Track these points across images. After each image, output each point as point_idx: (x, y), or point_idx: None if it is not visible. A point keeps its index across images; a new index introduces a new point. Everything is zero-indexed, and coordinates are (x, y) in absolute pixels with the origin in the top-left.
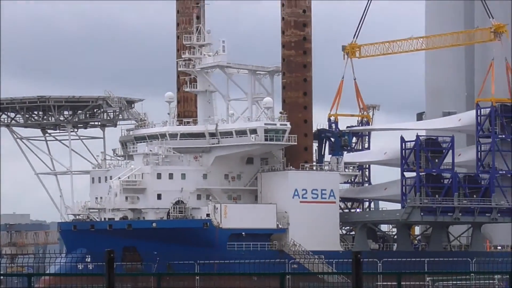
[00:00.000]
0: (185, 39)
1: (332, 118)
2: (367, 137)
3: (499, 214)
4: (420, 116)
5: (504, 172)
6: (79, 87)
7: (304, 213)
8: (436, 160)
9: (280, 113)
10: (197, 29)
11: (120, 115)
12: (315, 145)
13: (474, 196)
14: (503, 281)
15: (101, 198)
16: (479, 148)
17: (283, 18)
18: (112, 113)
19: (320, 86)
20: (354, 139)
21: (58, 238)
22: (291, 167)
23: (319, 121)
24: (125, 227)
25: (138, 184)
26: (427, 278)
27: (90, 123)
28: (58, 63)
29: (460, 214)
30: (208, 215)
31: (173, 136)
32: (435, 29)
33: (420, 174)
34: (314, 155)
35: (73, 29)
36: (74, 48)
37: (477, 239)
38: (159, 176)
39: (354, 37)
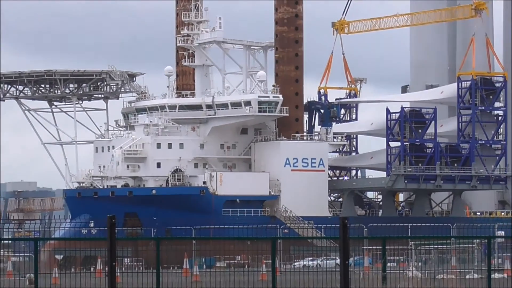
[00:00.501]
0: (184, 16)
1: (322, 90)
2: (354, 108)
3: (478, 182)
4: (404, 89)
5: (483, 142)
6: (84, 62)
7: (295, 180)
8: (420, 131)
9: (273, 86)
10: (195, 7)
11: (122, 88)
12: (305, 117)
13: (455, 164)
14: (482, 245)
15: (104, 166)
16: (460, 119)
17: None
18: (114, 86)
19: (311, 61)
20: (342, 111)
21: (63, 205)
22: (283, 137)
23: (309, 93)
24: (126, 194)
25: (139, 153)
26: (410, 242)
27: (94, 95)
28: (64, 39)
29: (442, 181)
30: (204, 182)
31: (172, 108)
32: (420, 7)
33: (404, 144)
34: (305, 126)
35: (79, 7)
36: (80, 25)
37: (457, 206)
38: (158, 145)
39: (343, 14)
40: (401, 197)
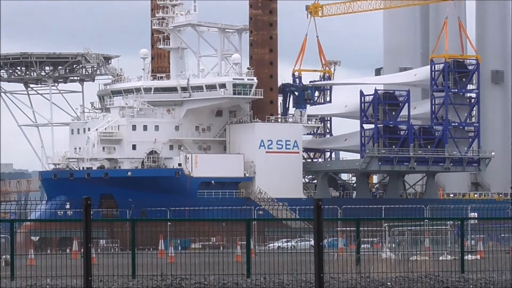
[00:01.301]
0: None
1: (296, 73)
2: (328, 91)
3: (451, 164)
4: (378, 72)
5: (456, 124)
6: (60, 45)
7: (270, 162)
8: (393, 113)
9: (248, 68)
10: None
11: (98, 71)
12: (280, 99)
13: (429, 146)
14: (455, 227)
15: (79, 148)
16: (433, 101)
17: None
18: (90, 69)
19: (285, 44)
20: (316, 93)
21: (39, 186)
22: (257, 119)
23: (284, 76)
24: (102, 175)
25: (115, 135)
26: (384, 224)
27: (70, 78)
28: (40, 22)
29: (415, 163)
30: (180, 164)
31: (147, 90)
32: None
33: (378, 126)
34: (279, 108)
35: None
36: (55, 7)
37: (431, 187)
38: (134, 127)
39: None
40: (375, 179)
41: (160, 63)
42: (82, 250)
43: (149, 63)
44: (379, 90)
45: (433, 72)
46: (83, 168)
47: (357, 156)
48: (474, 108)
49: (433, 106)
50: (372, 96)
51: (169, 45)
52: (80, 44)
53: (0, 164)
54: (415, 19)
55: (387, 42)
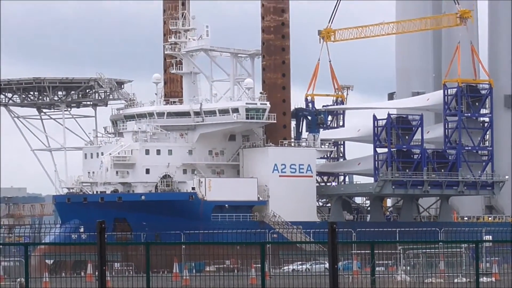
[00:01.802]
0: (171, 24)
1: (309, 98)
2: (341, 115)
3: (465, 187)
4: (391, 96)
5: (469, 148)
6: (73, 69)
7: (283, 186)
8: (406, 137)
9: (260, 93)
10: (182, 15)
11: (111, 95)
12: (293, 123)
13: (442, 170)
14: (470, 250)
15: (93, 172)
16: (446, 125)
17: (262, 5)
18: (103, 94)
19: (297, 68)
20: (329, 118)
21: (53, 210)
22: (270, 143)
23: (296, 100)
24: (115, 199)
25: (128, 160)
26: (399, 247)
27: (83, 102)
28: (53, 47)
29: (429, 187)
30: (193, 188)
31: (160, 114)
32: (405, 15)
33: (392, 150)
34: (292, 132)
35: (68, 16)
36: (69, 33)
37: (445, 211)
38: (147, 152)
39: (329, 22)
40: (389, 202)
41: (172, 88)
42: (96, 273)
43: (161, 88)
44: (392, 114)
45: (446, 97)
46: (96, 192)
47: (370, 179)
48: (488, 132)
49: (446, 130)
50: (385, 121)
51: (182, 69)
52: (93, 69)
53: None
54: (427, 43)
55: (399, 67)
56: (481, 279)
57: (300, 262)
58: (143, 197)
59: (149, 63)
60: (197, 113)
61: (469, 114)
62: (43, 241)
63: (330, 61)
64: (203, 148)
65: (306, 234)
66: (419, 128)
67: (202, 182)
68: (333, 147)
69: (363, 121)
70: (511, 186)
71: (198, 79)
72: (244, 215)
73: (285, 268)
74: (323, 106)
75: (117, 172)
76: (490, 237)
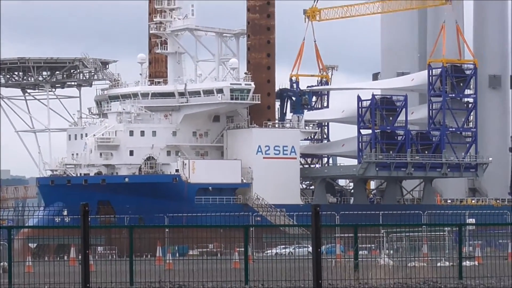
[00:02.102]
0: (157, 3)
1: (294, 78)
2: (326, 96)
3: (449, 169)
4: (375, 76)
5: (454, 129)
6: (58, 49)
7: (267, 168)
8: (391, 118)
9: (245, 73)
10: None
11: (95, 76)
12: (277, 104)
13: (426, 152)
14: (453, 233)
15: (77, 154)
16: (430, 106)
17: None
18: (87, 74)
19: (282, 48)
20: (314, 98)
21: (36, 193)
22: (255, 124)
23: (281, 81)
24: (99, 182)
25: (112, 141)
26: (382, 230)
27: (67, 83)
28: (38, 27)
29: (413, 169)
30: (177, 170)
31: (144, 95)
32: None
33: (376, 131)
34: (277, 113)
35: None
36: (53, 13)
37: (428, 193)
38: (131, 133)
39: (314, 1)
40: (372, 184)
41: (157, 68)
42: (80, 257)
43: (146, 68)
44: (376, 95)
45: (430, 77)
46: (80, 174)
47: (354, 161)
48: (472, 113)
49: (430, 111)
50: (369, 101)
51: (167, 49)
52: (78, 49)
53: (0, 171)
54: (412, 23)
55: (384, 47)
56: (464, 263)
57: (284, 246)
58: (126, 179)
59: (134, 43)
60: (181, 94)
61: (453, 95)
62: (27, 224)
63: (315, 41)
64: (187, 129)
65: (290, 217)
66: (403, 109)
67: (186, 164)
68: (317, 128)
69: (348, 102)
70: (495, 169)
71: (183, 59)
72: (227, 198)
73: (268, 251)
74: (308, 86)
75: (101, 154)
76: (473, 220)
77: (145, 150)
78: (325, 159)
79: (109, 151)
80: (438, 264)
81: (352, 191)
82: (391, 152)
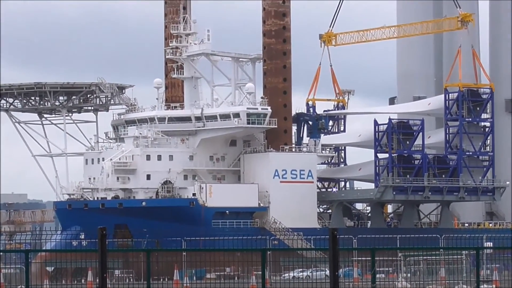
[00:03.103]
0: (173, 29)
1: (310, 102)
2: (342, 120)
3: (466, 193)
4: (392, 101)
5: (470, 153)
6: (74, 74)
7: (284, 192)
8: (407, 142)
9: (262, 98)
10: (183, 19)
11: (112, 100)
12: (294, 128)
13: (443, 176)
14: (470, 256)
15: (94, 178)
16: (447, 130)
17: (264, 9)
18: (104, 98)
19: (298, 73)
20: (330, 123)
21: (53, 217)
22: (271, 149)
23: (298, 105)
24: (116, 206)
25: (129, 165)
26: (399, 253)
27: (84, 107)
28: (54, 52)
29: (430, 193)
30: (194, 194)
31: (161, 120)
32: (406, 19)
33: (392, 155)
34: (293, 137)
35: (69, 20)
36: (70, 38)
37: (445, 217)
38: (148, 157)
39: (330, 26)
40: (390, 208)
41: (174, 93)
42: (97, 280)
43: (163, 93)
44: (393, 119)
45: (447, 101)
46: (97, 198)
47: (371, 185)
48: (489, 137)
49: (447, 135)
50: (386, 126)
51: (183, 74)
52: (94, 74)
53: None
54: (428, 47)
55: (400, 71)
56: (481, 286)
57: (301, 269)
58: (144, 203)
59: (150, 67)
60: (198, 118)
61: (470, 119)
62: (44, 248)
63: (331, 66)
64: (204, 153)
65: (307, 241)
66: (420, 133)
67: (203, 188)
68: (334, 152)
69: (364, 126)
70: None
71: (199, 83)
72: (244, 221)
73: (285, 275)
74: (324, 111)
75: (118, 178)
76: (491, 243)
77: (162, 174)
78: (342, 183)
79: (126, 175)
80: (456, 287)
81: (369, 215)
82: (408, 176)
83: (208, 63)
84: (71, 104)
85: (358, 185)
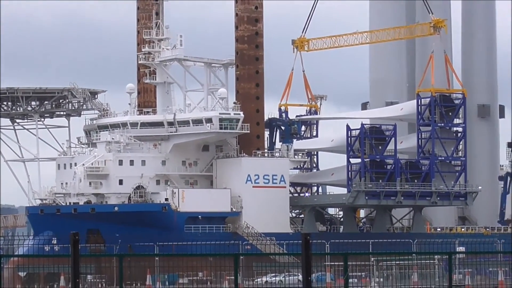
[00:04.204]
0: (145, 34)
1: (283, 107)
2: (315, 125)
3: (438, 198)
4: (364, 106)
5: (443, 158)
6: (46, 80)
7: (257, 197)
8: (380, 147)
9: (234, 103)
10: (156, 25)
11: (84, 106)
12: (266, 133)
13: (415, 181)
14: (443, 261)
15: (66, 183)
16: (419, 135)
17: (236, 14)
18: (76, 104)
19: (271, 78)
20: (303, 128)
21: (26, 222)
22: (244, 154)
23: (270, 110)
24: (89, 211)
25: (101, 170)
26: (372, 258)
27: (56, 113)
28: (27, 57)
29: (402, 198)
30: (166, 199)
31: (133, 125)
32: (379, 24)
33: (365, 160)
34: (266, 142)
35: (41, 26)
36: (43, 43)
37: (418, 222)
38: (120, 162)
39: (303, 32)
40: (362, 213)
41: (146, 98)
42: (70, 285)
43: (135, 98)
44: (365, 124)
45: (419, 106)
46: (70, 203)
47: (344, 190)
48: (461, 142)
49: (419, 140)
50: (358, 131)
51: (155, 79)
52: (67, 79)
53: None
54: (401, 53)
55: (373, 76)
56: None
57: (274, 274)
58: (116, 208)
59: (122, 73)
60: (170, 123)
61: (442, 124)
62: (16, 253)
63: (303, 71)
64: (177, 158)
65: (280, 246)
66: (393, 138)
67: (175, 193)
68: (306, 157)
69: (337, 131)
70: (484, 197)
71: (171, 89)
72: (217, 227)
73: (258, 280)
74: (297, 116)
75: (90, 183)
76: (463, 248)
77: (134, 179)
78: (315, 188)
79: (98, 180)
80: None
81: (342, 219)
82: (380, 181)
83: (180, 69)
84: (43, 109)
85: (331, 190)
